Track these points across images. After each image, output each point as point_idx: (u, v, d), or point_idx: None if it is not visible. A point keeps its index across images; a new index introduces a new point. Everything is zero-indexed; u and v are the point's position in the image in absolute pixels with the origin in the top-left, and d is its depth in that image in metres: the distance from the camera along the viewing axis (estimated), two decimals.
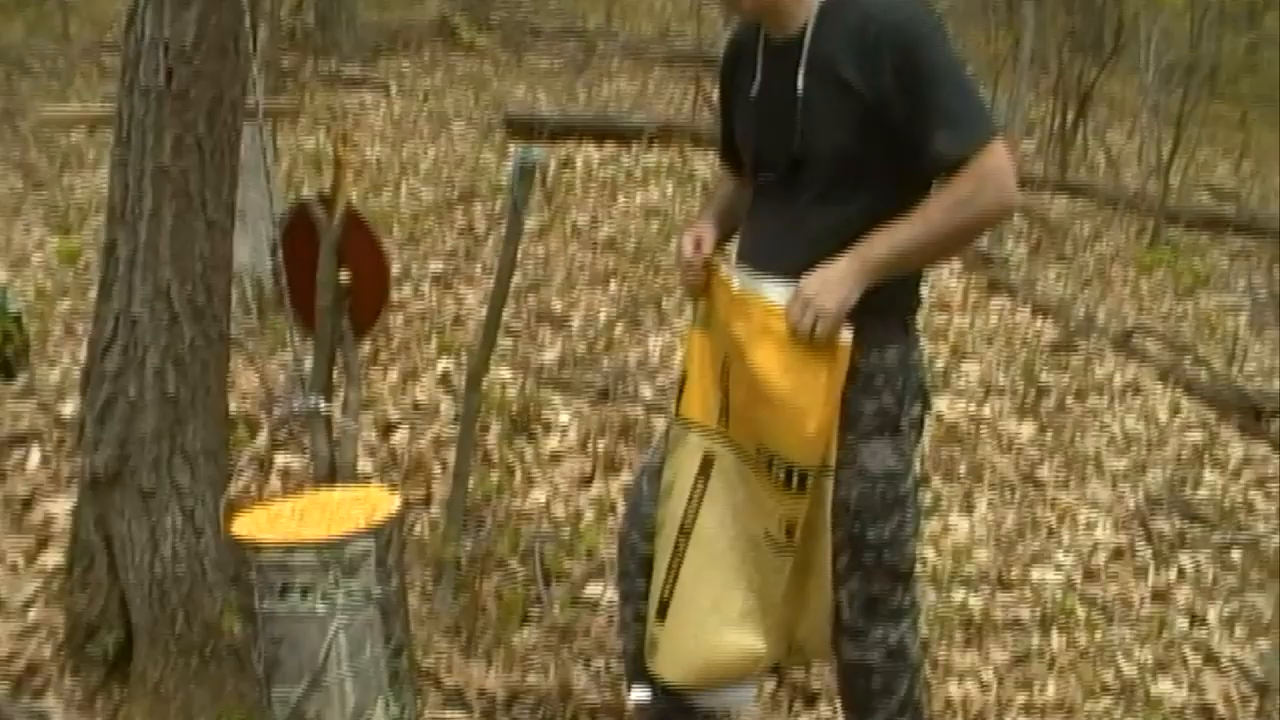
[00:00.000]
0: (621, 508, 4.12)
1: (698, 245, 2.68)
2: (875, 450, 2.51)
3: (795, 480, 2.45)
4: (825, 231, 2.45)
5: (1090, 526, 4.80)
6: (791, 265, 2.45)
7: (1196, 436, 5.86)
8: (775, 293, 2.45)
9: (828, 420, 2.42)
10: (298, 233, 3.19)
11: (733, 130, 2.75)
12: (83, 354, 4.86)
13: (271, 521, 2.28)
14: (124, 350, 2.96)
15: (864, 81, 2.36)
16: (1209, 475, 5.45)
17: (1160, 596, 4.38)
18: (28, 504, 4.01)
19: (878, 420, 2.51)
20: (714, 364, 2.59)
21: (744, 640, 2.62)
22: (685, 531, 2.61)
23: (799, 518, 2.50)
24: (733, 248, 2.74)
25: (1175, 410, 6.14)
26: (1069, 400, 6.03)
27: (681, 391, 2.67)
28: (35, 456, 4.26)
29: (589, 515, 4.12)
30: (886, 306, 2.47)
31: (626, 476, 4.41)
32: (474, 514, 3.99)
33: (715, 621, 2.61)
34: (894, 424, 2.53)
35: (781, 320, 2.41)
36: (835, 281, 2.36)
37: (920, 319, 2.67)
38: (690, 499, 2.61)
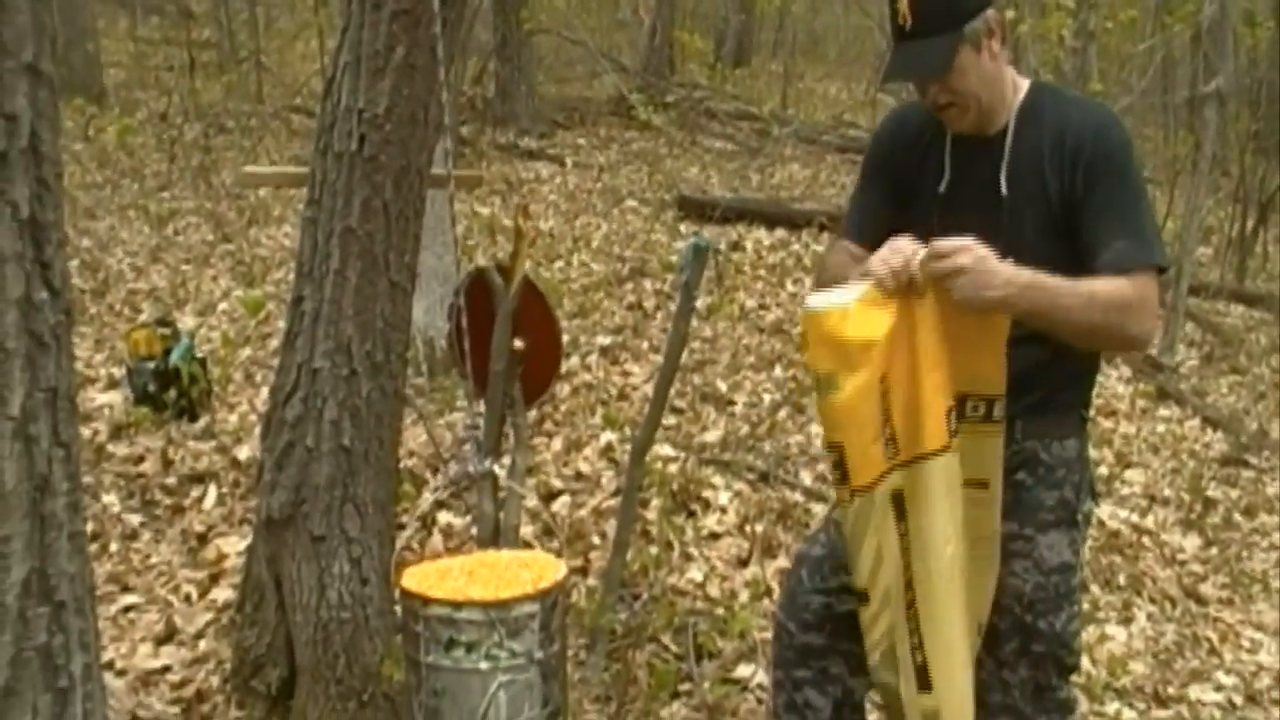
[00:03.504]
0: (778, 592, 4.12)
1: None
2: (1053, 542, 2.53)
3: (992, 411, 2.41)
4: (1018, 330, 2.42)
5: (1254, 648, 4.63)
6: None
7: None
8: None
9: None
10: (474, 298, 3.26)
11: (886, 212, 2.65)
12: (260, 400, 5.11)
13: (441, 577, 2.34)
14: (304, 400, 3.08)
15: (1056, 184, 2.41)
16: None
17: None
18: (203, 539, 4.18)
19: (1057, 512, 2.53)
20: (868, 407, 2.37)
21: None
22: (911, 585, 2.46)
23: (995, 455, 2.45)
24: None
25: None
26: (1237, 516, 5.85)
27: (843, 468, 2.42)
28: (212, 495, 4.45)
29: (744, 596, 4.11)
30: (1070, 402, 2.53)
31: (783, 561, 4.39)
32: (630, 586, 4.02)
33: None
34: (1071, 516, 2.55)
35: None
36: (996, 280, 2.27)
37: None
38: (903, 550, 2.45)
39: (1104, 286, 2.34)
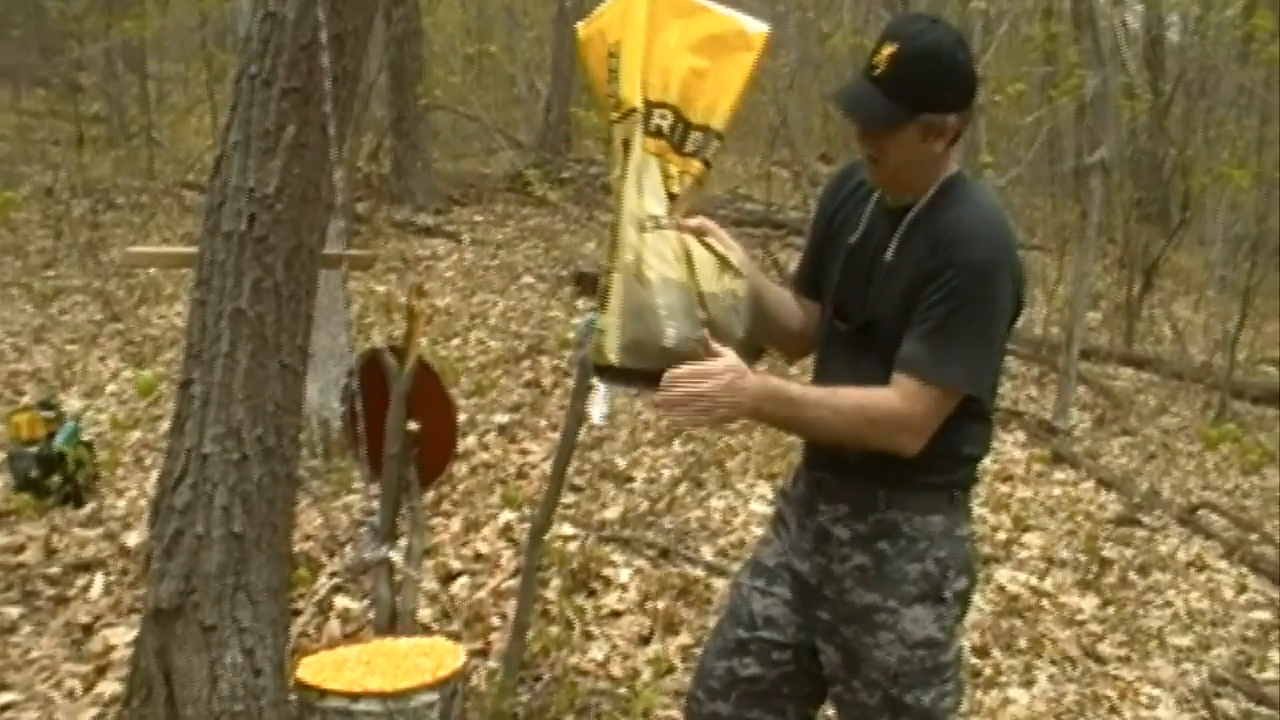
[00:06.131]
0: (681, 669, 4.09)
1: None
2: (917, 616, 2.52)
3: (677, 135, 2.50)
4: None
5: (1153, 704, 4.68)
6: None
7: (1263, 615, 5.73)
8: None
9: None
10: (368, 380, 3.23)
11: (817, 262, 2.74)
12: (150, 485, 4.99)
13: (337, 667, 2.29)
14: (193, 486, 3.01)
15: (919, 274, 2.43)
16: (1276, 656, 5.31)
17: None
18: (89, 631, 4.05)
19: (920, 585, 2.53)
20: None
21: None
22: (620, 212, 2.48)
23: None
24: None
25: (1241, 588, 6.02)
26: (1132, 575, 5.93)
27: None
28: (99, 584, 4.32)
29: (646, 674, 4.09)
30: (938, 483, 2.54)
31: (685, 638, 4.38)
32: (531, 667, 3.97)
33: None
34: (937, 592, 2.54)
35: None
36: (736, 394, 2.34)
37: (981, 490, 2.67)
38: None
39: (854, 401, 2.44)
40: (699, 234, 2.48)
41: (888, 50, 2.40)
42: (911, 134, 2.42)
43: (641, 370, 2.35)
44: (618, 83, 2.46)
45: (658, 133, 2.46)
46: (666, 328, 2.33)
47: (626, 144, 2.44)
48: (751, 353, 2.51)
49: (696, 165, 2.48)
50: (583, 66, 2.59)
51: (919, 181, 2.50)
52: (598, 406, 2.43)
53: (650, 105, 2.45)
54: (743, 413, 2.38)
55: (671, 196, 2.45)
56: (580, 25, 2.59)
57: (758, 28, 2.54)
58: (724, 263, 2.47)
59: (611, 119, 2.48)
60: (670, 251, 2.39)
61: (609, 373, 2.38)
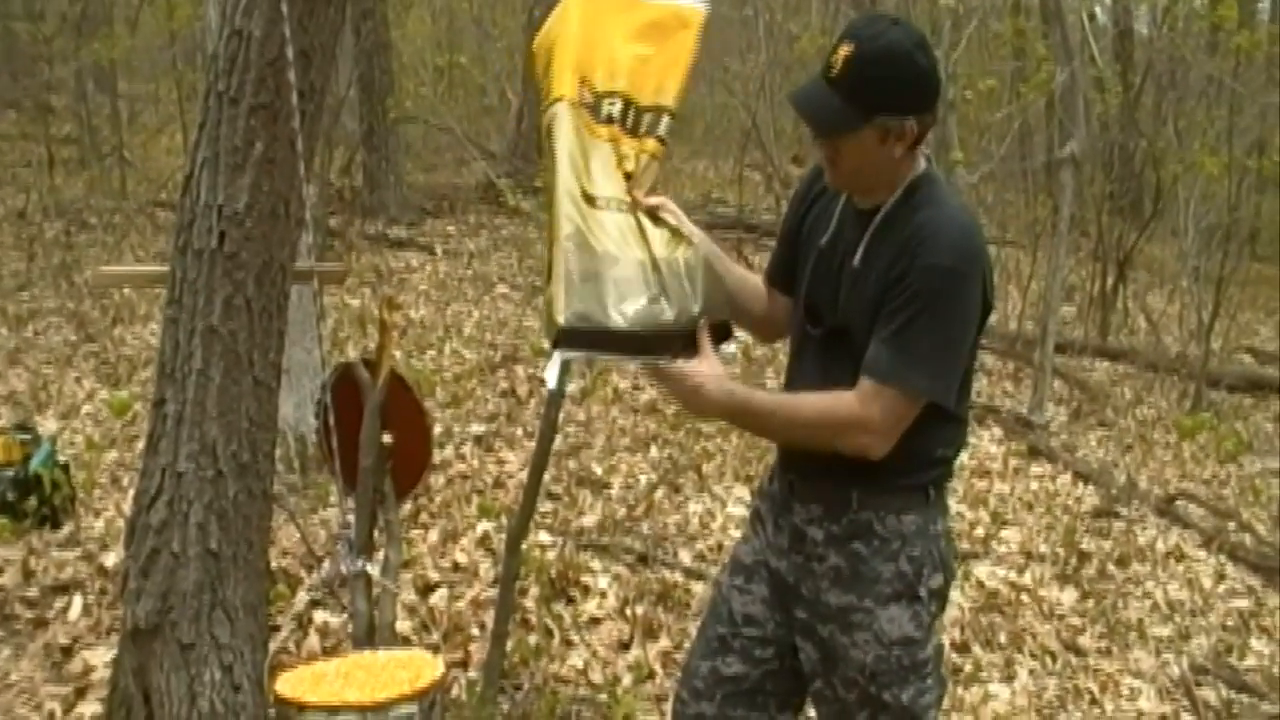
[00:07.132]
0: (661, 674, 4.10)
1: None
2: (893, 616, 2.54)
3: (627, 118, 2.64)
4: None
5: (1134, 696, 4.71)
6: None
7: (1242, 603, 5.77)
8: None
9: None
10: (342, 393, 3.23)
11: (789, 258, 2.75)
12: (127, 505, 4.97)
13: (316, 681, 2.29)
14: (169, 504, 3.00)
15: (885, 277, 2.43)
16: (1256, 643, 5.35)
17: None
18: (68, 652, 4.04)
19: (895, 585, 2.54)
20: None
21: None
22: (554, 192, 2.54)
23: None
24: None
25: (1220, 577, 6.05)
26: (1111, 567, 5.96)
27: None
28: (77, 605, 4.31)
29: (627, 680, 4.09)
30: (910, 483, 2.55)
31: (665, 642, 4.39)
32: (511, 677, 3.98)
33: None
34: (912, 591, 2.55)
35: None
36: (701, 401, 2.46)
37: (958, 486, 2.69)
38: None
39: (813, 406, 2.49)
40: (653, 210, 2.52)
41: (844, 51, 2.38)
42: (868, 137, 2.41)
43: (599, 332, 2.39)
44: (550, 76, 2.59)
45: (609, 119, 2.56)
46: (613, 299, 2.39)
47: (550, 129, 2.54)
48: (717, 327, 2.55)
49: (651, 143, 2.58)
50: (534, 74, 2.72)
51: (880, 184, 2.50)
52: (551, 371, 2.49)
53: (599, 95, 2.56)
54: (708, 417, 2.43)
55: (628, 176, 2.53)
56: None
57: (693, 5, 2.67)
58: (676, 234, 2.52)
59: (542, 108, 2.61)
60: (617, 229, 2.45)
61: (563, 337, 2.39)
